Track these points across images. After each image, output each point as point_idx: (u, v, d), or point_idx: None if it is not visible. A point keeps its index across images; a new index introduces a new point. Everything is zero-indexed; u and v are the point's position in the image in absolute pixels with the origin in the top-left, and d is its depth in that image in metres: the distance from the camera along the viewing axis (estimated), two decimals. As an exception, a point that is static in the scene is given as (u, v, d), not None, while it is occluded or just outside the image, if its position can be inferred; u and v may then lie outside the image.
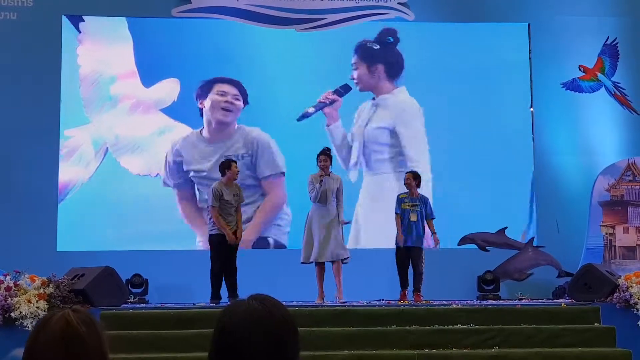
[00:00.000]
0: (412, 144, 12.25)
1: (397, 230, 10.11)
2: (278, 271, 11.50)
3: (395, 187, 11.75)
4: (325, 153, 9.93)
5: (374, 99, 12.56)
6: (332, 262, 9.85)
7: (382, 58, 12.68)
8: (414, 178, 10.21)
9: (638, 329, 8.35)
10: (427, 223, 10.19)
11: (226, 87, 12.17)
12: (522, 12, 13.09)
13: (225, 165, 9.94)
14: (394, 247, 10.13)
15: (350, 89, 12.46)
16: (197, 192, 11.91)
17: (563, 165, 12.80)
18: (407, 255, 10.06)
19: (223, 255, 9.75)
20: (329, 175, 9.88)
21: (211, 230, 9.85)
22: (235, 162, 10.05)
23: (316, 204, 9.87)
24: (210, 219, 9.87)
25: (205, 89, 12.25)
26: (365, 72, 12.57)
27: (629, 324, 8.36)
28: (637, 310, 8.40)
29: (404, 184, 10.35)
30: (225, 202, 9.77)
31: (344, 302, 9.51)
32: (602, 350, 7.96)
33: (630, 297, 8.45)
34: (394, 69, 12.59)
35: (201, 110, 12.20)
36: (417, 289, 9.98)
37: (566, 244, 12.18)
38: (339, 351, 7.73)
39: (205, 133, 12.07)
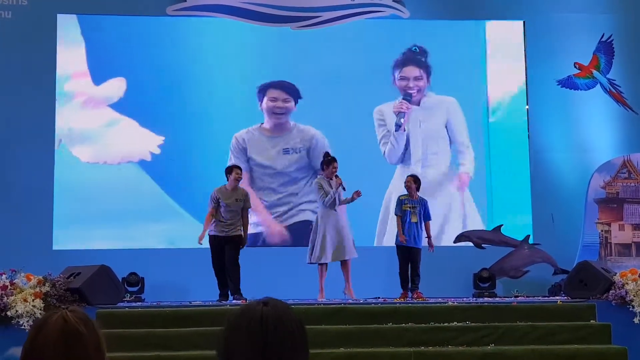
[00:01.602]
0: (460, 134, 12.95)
1: (399, 230, 10.42)
2: (274, 270, 11.51)
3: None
4: (334, 158, 10.36)
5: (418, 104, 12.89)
6: (343, 260, 10.23)
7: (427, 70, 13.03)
8: (414, 182, 10.56)
9: (634, 326, 8.36)
10: (425, 225, 10.50)
11: (276, 93, 12.69)
12: (518, 9, 13.09)
13: (227, 171, 10.31)
14: (389, 245, 10.26)
15: (411, 97, 12.83)
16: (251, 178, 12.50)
17: (559, 162, 12.81)
18: (408, 255, 10.34)
19: (217, 255, 10.06)
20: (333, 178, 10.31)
21: (210, 230, 10.19)
22: (239, 168, 10.38)
23: (327, 207, 10.21)
24: (212, 222, 10.17)
25: (261, 93, 12.68)
26: (425, 83, 12.96)
27: (625, 321, 8.37)
28: (633, 307, 8.41)
29: (405, 187, 10.63)
30: (224, 206, 10.07)
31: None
32: (598, 347, 7.97)
33: (626, 294, 8.46)
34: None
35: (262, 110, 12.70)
36: (416, 287, 10.25)
37: (562, 241, 12.19)
38: (335, 349, 7.73)
39: (266, 129, 12.67)
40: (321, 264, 10.18)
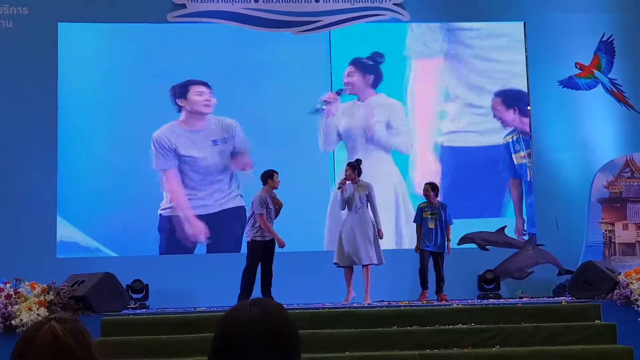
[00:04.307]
0: (400, 134, 13.05)
1: (417, 238, 10.62)
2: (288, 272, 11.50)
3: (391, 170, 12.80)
4: (348, 164, 10.56)
5: (358, 99, 13.04)
6: (363, 265, 10.30)
7: (373, 71, 13.05)
8: (432, 189, 10.70)
9: (639, 325, 8.35)
10: (445, 229, 10.63)
11: (200, 88, 12.81)
12: (518, 10, 13.10)
13: (268, 175, 10.34)
14: (395, 248, 10.31)
15: (343, 91, 12.93)
16: (186, 174, 12.69)
17: (561, 162, 12.81)
18: (433, 259, 10.53)
19: (260, 261, 10.10)
20: (353, 183, 10.43)
21: (254, 236, 10.17)
22: (277, 172, 10.39)
23: (345, 211, 10.46)
24: (253, 225, 10.18)
25: (181, 91, 12.73)
26: (359, 80, 13.01)
27: (630, 321, 8.35)
28: (638, 306, 8.40)
29: (423, 195, 10.77)
30: (269, 210, 10.16)
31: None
32: (603, 347, 7.95)
33: (631, 294, 8.45)
34: (378, 80, 13.04)
35: (180, 107, 12.73)
36: (440, 290, 10.46)
37: (566, 241, 12.19)
38: (340, 353, 7.73)
39: (186, 124, 12.74)
40: (344, 267, 10.33)
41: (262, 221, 10.08)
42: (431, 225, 10.53)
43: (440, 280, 10.49)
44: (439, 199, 10.82)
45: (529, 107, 12.98)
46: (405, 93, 13.05)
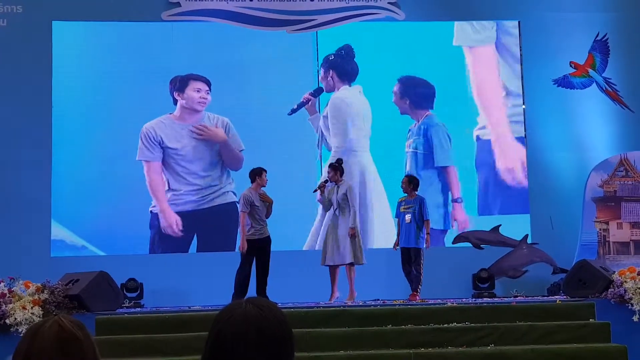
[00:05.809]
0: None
1: (397, 233, 10.54)
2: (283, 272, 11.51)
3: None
4: (329, 165, 10.68)
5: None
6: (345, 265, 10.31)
7: (338, 66, 12.99)
8: (409, 182, 10.53)
9: (633, 324, 8.36)
10: (424, 223, 10.41)
11: (199, 85, 12.77)
12: (513, 9, 13.11)
13: (256, 173, 10.28)
14: (387, 247, 10.31)
15: (322, 90, 12.91)
16: (168, 166, 12.63)
17: (556, 161, 12.82)
18: (408, 256, 10.33)
19: (255, 260, 10.04)
20: (336, 183, 10.46)
21: (246, 234, 10.13)
22: (266, 170, 10.33)
23: (327, 211, 10.65)
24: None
25: (181, 85, 12.70)
26: (324, 77, 12.98)
27: (624, 320, 8.37)
28: (632, 305, 8.41)
29: (401, 188, 10.61)
30: (256, 208, 10.11)
31: (345, 303, 9.75)
32: (597, 346, 7.97)
33: (625, 293, 8.46)
34: (348, 74, 12.97)
35: (176, 100, 12.71)
36: (412, 289, 10.25)
37: (560, 240, 12.20)
38: (335, 352, 7.74)
39: (178, 118, 12.71)
40: (329, 266, 10.33)
41: (241, 218, 10.13)
42: (407, 219, 10.36)
43: (414, 277, 10.21)
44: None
45: (523, 106, 12.98)
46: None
